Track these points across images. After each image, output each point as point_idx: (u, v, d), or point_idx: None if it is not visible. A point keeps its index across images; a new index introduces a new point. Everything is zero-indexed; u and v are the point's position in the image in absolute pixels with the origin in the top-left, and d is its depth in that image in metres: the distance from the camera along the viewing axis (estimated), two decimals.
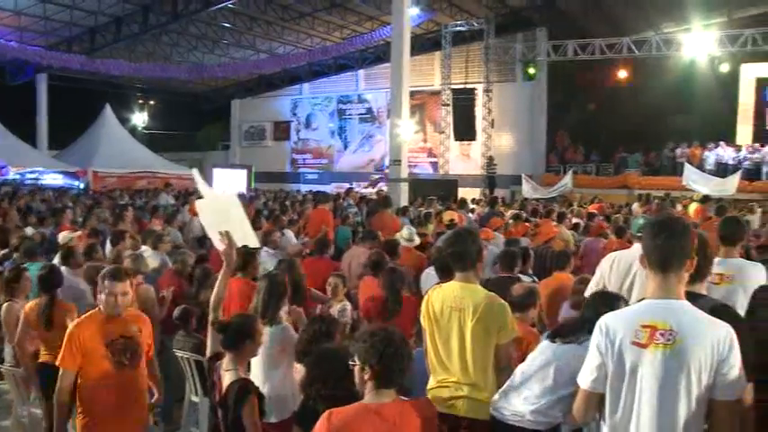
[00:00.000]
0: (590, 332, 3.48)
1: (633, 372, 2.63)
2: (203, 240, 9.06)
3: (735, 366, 2.55)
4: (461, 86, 26.00)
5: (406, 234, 8.20)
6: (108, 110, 28.26)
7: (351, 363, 2.96)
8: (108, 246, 8.05)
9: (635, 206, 15.58)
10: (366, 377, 2.85)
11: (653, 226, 2.80)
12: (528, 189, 19.51)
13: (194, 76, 29.50)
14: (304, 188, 26.01)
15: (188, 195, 17.36)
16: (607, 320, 2.76)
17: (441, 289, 4.01)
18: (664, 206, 14.54)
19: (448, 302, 3.86)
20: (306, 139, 33.10)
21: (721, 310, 2.94)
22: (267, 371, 4.31)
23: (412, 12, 20.25)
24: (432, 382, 3.94)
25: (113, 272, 4.25)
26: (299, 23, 25.84)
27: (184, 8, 22.49)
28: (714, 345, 2.55)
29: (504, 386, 3.68)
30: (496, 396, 3.69)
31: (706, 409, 2.61)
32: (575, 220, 12.34)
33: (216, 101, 35.34)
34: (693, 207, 14.68)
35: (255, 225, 9.58)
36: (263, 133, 34.25)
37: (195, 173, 4.78)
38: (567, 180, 19.94)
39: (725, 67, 23.56)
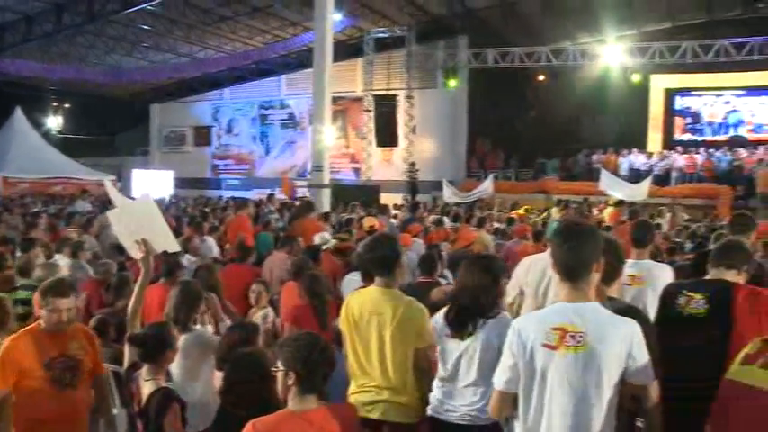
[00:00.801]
0: (484, 310, 3.55)
1: (544, 373, 2.71)
2: (122, 248, 8.83)
3: (642, 358, 2.68)
4: (383, 93, 26.12)
5: (318, 239, 8.23)
6: (19, 113, 27.22)
7: (274, 369, 2.95)
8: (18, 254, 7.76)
9: (553, 211, 15.98)
10: (290, 383, 2.84)
11: (559, 234, 2.90)
12: (449, 194, 19.73)
13: (112, 79, 28.66)
14: (225, 194, 25.64)
15: (108, 202, 16.92)
16: (520, 322, 2.85)
17: (360, 294, 4.05)
18: (581, 211, 14.99)
19: (367, 307, 3.90)
20: (227, 145, 32.64)
21: (627, 312, 3.05)
22: (187, 379, 4.24)
23: (335, 18, 20.24)
24: (353, 387, 3.97)
25: (57, 288, 4.00)
26: (220, 27, 25.47)
27: (101, 9, 21.79)
28: (621, 344, 2.65)
29: (440, 394, 3.72)
30: (436, 402, 3.73)
31: (617, 410, 2.72)
32: (495, 225, 12.59)
33: (135, 105, 34.50)
34: (609, 211, 15.18)
35: (177, 232, 9.46)
36: (183, 139, 33.60)
37: (107, 183, 4.69)
38: (488, 185, 20.25)
39: (636, 78, 24.51)
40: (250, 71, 30.23)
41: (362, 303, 3.94)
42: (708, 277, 3.82)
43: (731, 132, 26.28)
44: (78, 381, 4.01)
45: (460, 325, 3.64)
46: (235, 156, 32.41)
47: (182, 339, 4.16)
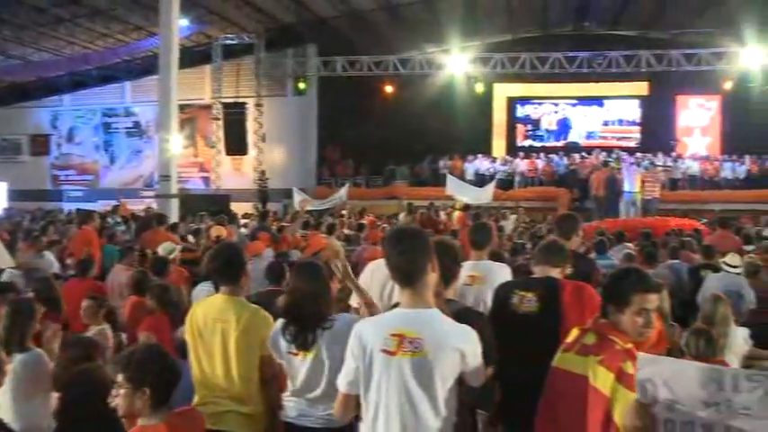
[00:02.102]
0: (319, 319, 3.56)
1: (382, 377, 2.78)
2: None
3: (476, 362, 2.82)
4: (232, 100, 25.76)
5: (162, 250, 8.05)
6: None
7: (117, 385, 2.86)
8: None
9: (401, 216, 16.32)
10: (144, 398, 2.78)
11: (389, 240, 2.98)
12: (299, 202, 19.72)
13: None
14: (67, 206, 24.32)
15: None
16: (361, 327, 2.91)
17: (205, 303, 4.00)
18: (428, 215, 15.42)
19: (211, 316, 3.84)
20: (68, 154, 30.87)
21: (465, 313, 3.26)
22: (19, 404, 3.98)
23: (181, 23, 19.75)
24: (197, 399, 3.88)
25: None
26: (57, 29, 24.09)
27: None
28: (457, 350, 2.77)
29: (294, 402, 3.71)
30: (294, 413, 3.70)
31: (455, 412, 2.84)
32: (346, 231, 12.71)
33: None
34: (456, 215, 15.69)
35: (12, 247, 8.93)
36: (18, 147, 31.43)
37: None
38: (342, 193, 20.41)
39: (480, 87, 25.59)
40: (92, 77, 28.74)
41: (207, 312, 3.89)
42: (536, 276, 4.06)
43: (567, 138, 28.05)
44: None
45: (301, 340, 3.62)
46: (77, 165, 30.78)
47: (15, 361, 3.94)
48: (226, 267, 3.95)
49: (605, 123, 28.00)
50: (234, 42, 25.45)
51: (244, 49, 25.75)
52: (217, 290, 4.36)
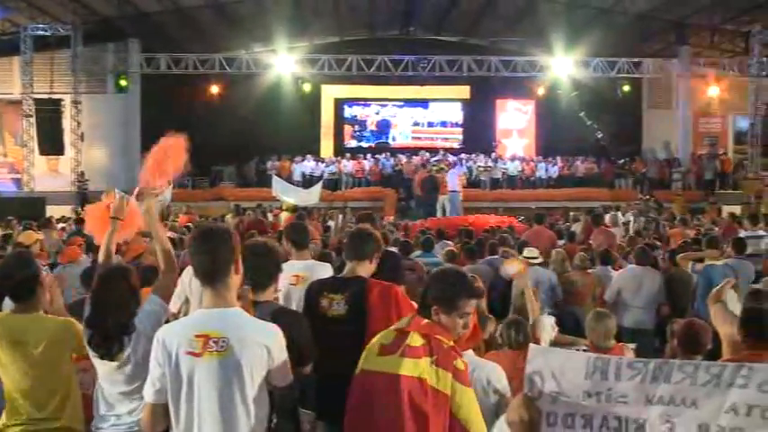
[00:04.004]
0: (126, 327, 3.48)
1: (190, 381, 2.72)
2: None
3: (281, 360, 2.82)
4: (47, 96, 24.15)
5: None
6: None
7: None
8: None
9: (228, 218, 16.09)
10: None
11: (194, 239, 2.95)
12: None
13: None
14: None
15: None
16: (164, 331, 2.84)
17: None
18: (256, 216, 15.28)
19: (8, 334, 3.60)
20: None
21: (279, 313, 3.30)
22: None
23: None
24: (4, 420, 3.66)
25: None
26: None
27: None
28: (262, 347, 2.76)
29: (102, 410, 3.59)
30: (104, 423, 3.57)
31: (268, 409, 2.83)
32: (169, 234, 12.30)
33: None
34: (284, 216, 15.63)
35: None
36: None
37: None
38: (167, 194, 19.71)
39: (308, 87, 25.69)
40: None
41: (2, 332, 3.63)
42: (345, 273, 4.04)
43: (391, 140, 28.78)
44: None
45: (105, 349, 3.50)
46: None
47: None
48: (17, 284, 3.71)
49: (430, 125, 29.05)
50: (47, 33, 23.77)
51: (59, 42, 24.09)
52: None
